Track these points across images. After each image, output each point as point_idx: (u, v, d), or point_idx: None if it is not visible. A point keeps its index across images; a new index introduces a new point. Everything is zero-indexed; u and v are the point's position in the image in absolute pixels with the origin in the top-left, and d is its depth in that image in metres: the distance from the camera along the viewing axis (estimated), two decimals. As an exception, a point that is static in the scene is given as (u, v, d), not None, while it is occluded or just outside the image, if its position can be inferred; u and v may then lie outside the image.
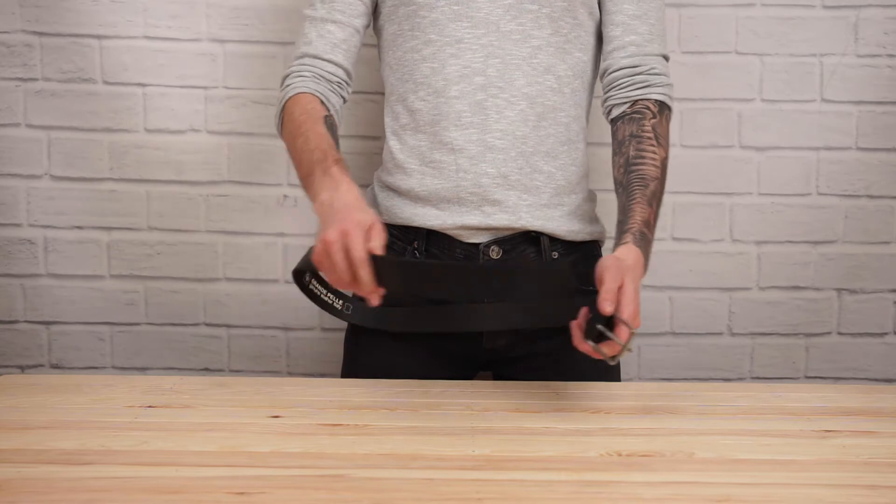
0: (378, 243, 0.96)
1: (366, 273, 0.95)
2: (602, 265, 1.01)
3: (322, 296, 1.15)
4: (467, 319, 1.16)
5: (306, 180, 1.11)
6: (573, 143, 1.23)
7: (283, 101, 1.20)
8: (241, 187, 1.64)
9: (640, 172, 1.15)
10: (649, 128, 1.17)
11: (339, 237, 0.96)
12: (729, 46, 1.62)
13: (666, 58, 1.23)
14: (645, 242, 1.09)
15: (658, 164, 1.16)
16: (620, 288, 0.98)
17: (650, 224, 1.12)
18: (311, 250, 1.05)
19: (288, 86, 1.20)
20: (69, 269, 1.65)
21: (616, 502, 0.76)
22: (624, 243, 1.08)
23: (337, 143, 1.13)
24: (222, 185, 1.64)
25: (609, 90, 1.22)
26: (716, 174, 1.65)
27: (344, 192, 1.02)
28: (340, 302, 1.16)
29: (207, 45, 1.61)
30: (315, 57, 1.21)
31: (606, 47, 1.23)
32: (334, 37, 1.21)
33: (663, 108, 1.20)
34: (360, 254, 0.94)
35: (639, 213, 1.11)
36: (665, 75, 1.21)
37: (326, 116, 1.16)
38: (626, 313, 0.97)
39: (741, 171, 1.64)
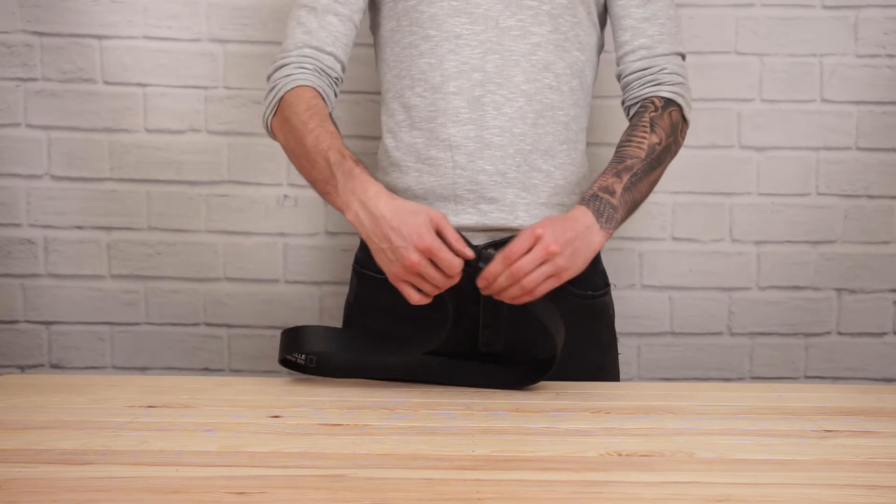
0: (457, 243, 1.02)
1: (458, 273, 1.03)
2: (537, 223, 1.07)
3: (289, 356, 1.16)
4: (429, 373, 1.17)
5: (325, 184, 1.11)
6: (572, 143, 1.22)
7: (282, 92, 1.16)
8: (241, 187, 1.64)
9: (620, 153, 1.16)
10: (647, 119, 1.17)
11: (421, 256, 1.01)
12: (729, 46, 1.62)
13: (682, 56, 1.23)
14: (597, 203, 1.10)
15: (644, 146, 1.16)
16: (538, 237, 1.04)
17: (610, 190, 1.12)
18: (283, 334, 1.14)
19: (288, 76, 1.17)
20: (69, 269, 1.64)
21: (616, 502, 0.76)
22: (575, 207, 1.11)
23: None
24: (222, 185, 1.64)
25: (624, 93, 1.23)
26: (716, 174, 1.65)
27: (374, 196, 1.04)
28: (303, 357, 1.16)
29: (207, 45, 1.61)
30: (318, 49, 1.18)
31: (618, 52, 1.23)
32: (335, 29, 1.19)
33: (669, 104, 1.19)
34: (453, 264, 1.01)
35: (599, 181, 1.13)
36: (677, 74, 1.21)
37: (330, 114, 1.16)
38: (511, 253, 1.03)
39: (741, 171, 1.64)
